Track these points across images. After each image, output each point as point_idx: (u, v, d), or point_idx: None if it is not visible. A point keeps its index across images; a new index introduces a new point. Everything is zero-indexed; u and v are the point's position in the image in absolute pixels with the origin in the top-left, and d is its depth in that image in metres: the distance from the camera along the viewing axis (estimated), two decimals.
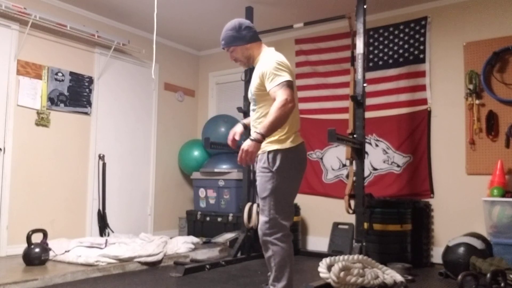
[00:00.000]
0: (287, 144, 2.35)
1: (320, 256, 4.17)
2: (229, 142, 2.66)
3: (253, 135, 2.16)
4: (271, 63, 2.30)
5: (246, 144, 2.15)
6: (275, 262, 2.34)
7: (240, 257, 4.16)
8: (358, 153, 3.63)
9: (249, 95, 2.50)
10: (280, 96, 2.17)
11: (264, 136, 2.14)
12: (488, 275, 2.73)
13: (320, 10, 4.57)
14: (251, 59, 2.50)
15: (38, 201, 4.29)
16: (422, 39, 4.42)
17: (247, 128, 2.70)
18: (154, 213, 5.48)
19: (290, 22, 4.59)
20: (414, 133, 4.39)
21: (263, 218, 2.35)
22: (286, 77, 2.23)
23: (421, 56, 4.42)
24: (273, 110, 2.15)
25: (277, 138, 2.34)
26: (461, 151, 4.13)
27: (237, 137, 2.66)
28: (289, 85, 2.22)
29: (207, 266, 3.77)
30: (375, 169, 4.60)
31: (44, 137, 4.37)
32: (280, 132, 2.33)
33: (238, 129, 2.69)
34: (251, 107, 2.52)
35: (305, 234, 4.97)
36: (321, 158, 4.95)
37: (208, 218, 5.17)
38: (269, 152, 2.33)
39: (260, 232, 2.37)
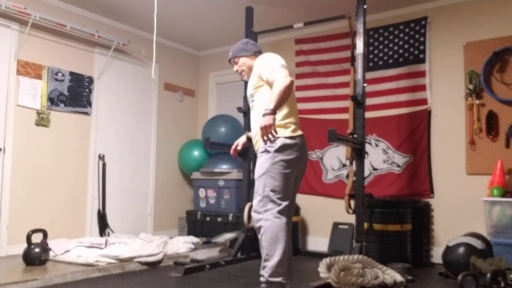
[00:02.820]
0: (287, 133, 2.47)
1: (320, 256, 4.17)
2: (232, 151, 2.94)
3: (265, 111, 2.27)
4: (264, 58, 2.59)
5: (262, 121, 2.25)
6: (266, 239, 2.28)
7: (240, 257, 4.16)
8: (358, 153, 3.63)
9: (248, 95, 2.70)
10: (278, 75, 2.36)
11: (274, 109, 2.26)
12: (488, 275, 2.73)
13: (320, 10, 4.57)
14: (252, 70, 2.70)
15: (38, 201, 4.29)
16: (422, 39, 4.42)
17: (251, 140, 2.83)
18: (154, 213, 5.48)
19: (290, 22, 4.59)
20: (414, 133, 4.40)
21: (256, 198, 2.39)
22: (280, 61, 2.47)
23: (421, 56, 4.42)
24: (275, 87, 2.32)
25: (278, 123, 2.42)
26: (461, 151, 4.13)
27: (239, 147, 2.93)
28: (284, 67, 2.42)
29: (207, 266, 3.77)
30: (375, 169, 4.60)
31: (44, 137, 4.37)
32: (280, 117, 2.47)
33: (242, 140, 2.96)
34: (251, 110, 2.68)
35: (305, 234, 4.97)
36: (321, 158, 4.95)
37: (208, 218, 5.17)
38: None
39: (253, 214, 2.38)
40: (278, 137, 2.41)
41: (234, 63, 2.81)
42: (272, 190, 2.36)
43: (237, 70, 2.81)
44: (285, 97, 2.31)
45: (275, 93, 2.28)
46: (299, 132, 2.54)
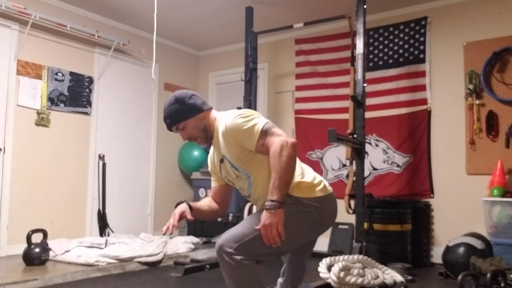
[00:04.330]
0: (317, 192, 1.86)
1: (320, 256, 4.17)
2: (176, 222, 2.04)
3: (267, 204, 1.67)
4: (234, 123, 1.81)
5: (264, 217, 1.67)
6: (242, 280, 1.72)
7: None
8: (358, 153, 3.63)
9: (234, 176, 1.93)
10: (273, 143, 1.73)
11: (280, 199, 1.67)
12: (488, 275, 2.73)
13: (320, 10, 4.57)
14: (208, 130, 1.96)
15: (38, 201, 4.29)
16: (422, 39, 4.42)
17: (192, 210, 2.05)
18: (154, 213, 5.47)
19: (290, 22, 4.59)
20: (414, 133, 4.39)
21: (233, 234, 1.75)
22: (260, 120, 1.81)
23: (421, 56, 4.42)
24: (274, 165, 1.69)
25: (302, 185, 1.86)
26: (461, 151, 4.13)
27: (189, 217, 2.03)
28: (271, 125, 1.80)
29: (207, 266, 3.77)
30: (375, 169, 4.60)
31: (44, 137, 4.36)
32: (300, 177, 1.87)
33: (187, 209, 2.05)
34: (246, 189, 1.94)
35: None
36: (321, 158, 4.95)
37: None
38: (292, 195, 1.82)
39: (219, 247, 1.75)
40: (310, 202, 1.81)
41: (177, 130, 1.97)
42: (250, 246, 1.72)
43: (187, 139, 1.98)
44: (292, 173, 1.73)
45: (277, 176, 1.66)
46: (329, 190, 1.92)
